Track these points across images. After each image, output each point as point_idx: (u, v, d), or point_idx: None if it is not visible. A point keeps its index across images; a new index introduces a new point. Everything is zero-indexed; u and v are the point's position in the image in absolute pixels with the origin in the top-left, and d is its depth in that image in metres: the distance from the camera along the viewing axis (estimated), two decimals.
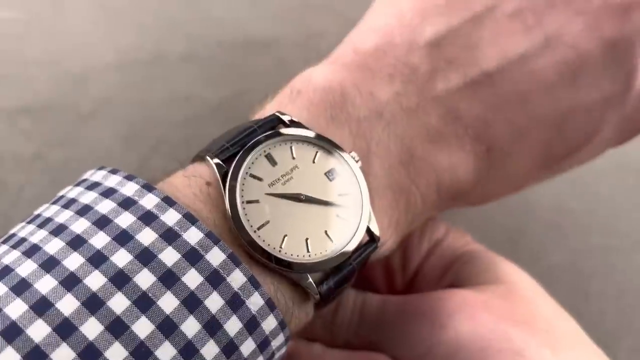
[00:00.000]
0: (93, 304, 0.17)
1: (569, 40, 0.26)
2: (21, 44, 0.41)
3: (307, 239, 0.22)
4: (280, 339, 0.21)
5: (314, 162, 0.23)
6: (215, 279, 0.19)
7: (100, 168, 0.22)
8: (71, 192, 0.21)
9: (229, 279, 0.19)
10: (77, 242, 0.18)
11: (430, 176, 0.26)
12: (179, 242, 0.19)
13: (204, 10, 0.45)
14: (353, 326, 0.28)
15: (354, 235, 0.23)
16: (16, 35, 0.41)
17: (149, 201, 0.20)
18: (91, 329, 0.17)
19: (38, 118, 0.39)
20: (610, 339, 0.38)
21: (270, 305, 0.20)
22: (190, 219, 0.20)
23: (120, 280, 0.18)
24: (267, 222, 0.21)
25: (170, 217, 0.19)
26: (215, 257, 0.19)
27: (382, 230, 0.24)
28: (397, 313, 0.27)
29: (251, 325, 0.20)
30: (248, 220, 0.21)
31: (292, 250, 0.21)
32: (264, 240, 0.21)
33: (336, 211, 0.23)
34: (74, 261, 0.18)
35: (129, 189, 0.20)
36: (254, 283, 0.20)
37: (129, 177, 0.21)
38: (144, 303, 0.18)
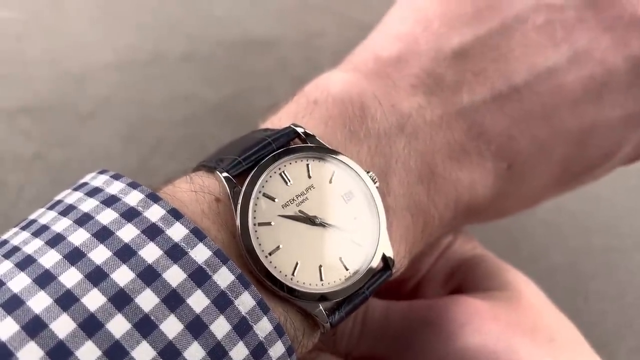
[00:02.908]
0: (90, 326, 0.16)
1: (597, 55, 0.25)
2: (21, 44, 0.41)
3: (320, 266, 0.21)
4: None
5: (330, 182, 0.22)
6: (222, 301, 0.18)
7: (102, 172, 0.20)
8: (69, 197, 0.20)
9: (236, 302, 0.18)
10: (75, 256, 0.17)
11: (450, 194, 0.24)
12: (185, 260, 0.18)
13: (204, 10, 0.45)
14: (355, 335, 0.27)
15: (370, 262, 0.21)
16: (16, 35, 0.41)
17: (155, 213, 0.18)
18: (87, 354, 0.16)
19: (38, 118, 0.39)
20: (611, 339, 0.38)
21: (278, 331, 0.19)
22: (198, 234, 0.18)
23: (120, 300, 0.16)
24: (279, 247, 0.20)
25: (177, 232, 0.18)
26: (224, 277, 0.18)
27: (398, 256, 0.23)
28: (402, 321, 0.26)
29: (258, 352, 0.18)
30: (260, 245, 0.20)
31: (305, 279, 0.20)
32: (275, 267, 0.20)
33: (352, 236, 0.21)
34: (71, 277, 0.17)
35: (133, 198, 0.19)
36: (263, 307, 0.18)
37: (133, 185, 0.19)
38: (145, 327, 0.16)
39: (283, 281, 0.20)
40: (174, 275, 0.17)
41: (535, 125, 0.25)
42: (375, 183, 0.22)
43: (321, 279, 0.21)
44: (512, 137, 0.25)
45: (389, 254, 0.22)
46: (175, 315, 0.17)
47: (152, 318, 0.17)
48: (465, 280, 0.28)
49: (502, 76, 0.25)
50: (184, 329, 0.17)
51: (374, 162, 0.23)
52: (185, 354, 0.17)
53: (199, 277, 0.18)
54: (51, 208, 0.19)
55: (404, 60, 0.25)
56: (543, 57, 0.25)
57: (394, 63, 0.25)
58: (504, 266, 0.28)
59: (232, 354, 0.18)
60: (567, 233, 0.41)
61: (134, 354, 0.16)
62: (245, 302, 0.18)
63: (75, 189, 0.20)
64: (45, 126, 0.39)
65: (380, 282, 0.22)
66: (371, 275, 0.21)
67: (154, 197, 0.19)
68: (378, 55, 0.25)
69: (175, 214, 0.18)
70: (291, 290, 0.20)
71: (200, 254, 0.18)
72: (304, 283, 0.20)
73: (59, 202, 0.19)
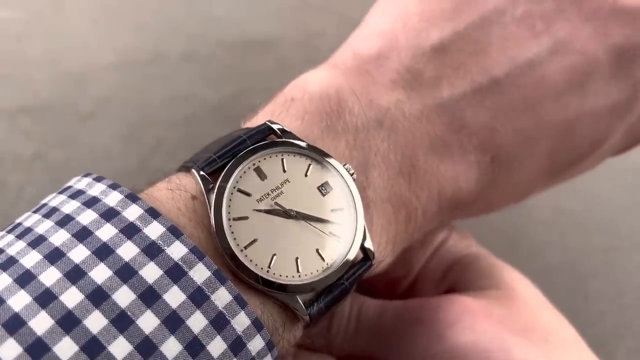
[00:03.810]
0: (68, 322, 0.16)
1: (578, 46, 0.25)
2: (21, 44, 0.41)
3: (297, 258, 0.21)
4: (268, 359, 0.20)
5: (306, 175, 0.22)
6: (198, 297, 0.18)
7: (86, 175, 0.21)
8: (53, 200, 0.20)
9: (213, 297, 0.18)
10: (55, 256, 0.18)
11: (432, 187, 0.25)
12: (162, 257, 0.18)
13: (204, 10, 0.45)
14: (349, 334, 0.27)
15: (347, 254, 0.21)
16: (16, 35, 0.41)
17: (133, 212, 0.19)
18: (65, 349, 0.16)
19: (38, 118, 0.39)
20: (610, 339, 0.38)
21: (257, 325, 0.19)
22: (174, 232, 0.19)
23: (98, 297, 0.17)
24: (255, 240, 0.20)
25: (154, 230, 0.18)
26: (200, 273, 0.18)
27: (379, 247, 0.23)
28: (395, 320, 0.26)
29: (236, 346, 0.18)
30: (235, 239, 0.20)
31: (281, 271, 0.20)
32: (251, 260, 0.20)
33: (329, 228, 0.22)
34: (50, 276, 0.17)
35: (113, 198, 0.19)
36: (239, 302, 0.19)
37: (113, 186, 0.20)
38: (122, 322, 0.17)
39: (258, 273, 0.20)
40: (151, 272, 0.18)
41: (518, 117, 0.25)
42: (352, 175, 0.22)
43: (298, 271, 0.21)
44: (494, 130, 0.25)
45: (368, 245, 0.22)
46: (152, 311, 0.17)
47: (129, 314, 0.17)
48: (459, 278, 0.28)
49: (481, 69, 0.25)
50: (160, 323, 0.17)
51: (353, 156, 0.23)
52: (162, 347, 0.17)
53: (175, 273, 0.18)
54: (36, 211, 0.20)
55: (384, 56, 0.25)
56: (523, 49, 0.25)
57: (374, 60, 0.25)
58: (498, 264, 0.28)
59: (209, 348, 0.18)
60: (566, 233, 0.41)
61: (110, 348, 0.17)
62: (221, 297, 0.18)
63: (60, 192, 0.20)
64: (46, 126, 0.39)
65: (359, 273, 0.22)
66: (349, 266, 0.21)
67: (132, 197, 0.19)
68: (358, 53, 0.25)
69: (153, 213, 0.19)
70: (268, 283, 0.20)
71: (177, 251, 0.18)
72: (280, 275, 0.20)
73: (44, 205, 0.20)
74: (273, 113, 0.24)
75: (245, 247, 0.20)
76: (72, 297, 0.17)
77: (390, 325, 0.26)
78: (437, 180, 0.25)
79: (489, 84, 0.25)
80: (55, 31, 0.42)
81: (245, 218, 0.21)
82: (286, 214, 0.21)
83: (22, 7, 0.43)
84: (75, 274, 0.17)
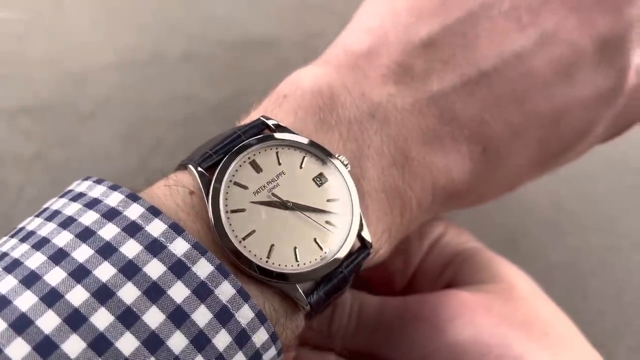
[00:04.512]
0: (75, 320, 0.17)
1: (564, 36, 0.26)
2: (21, 44, 0.41)
3: (295, 248, 0.21)
4: (272, 352, 0.20)
5: (301, 167, 0.23)
6: (202, 291, 0.18)
7: (86, 178, 0.21)
8: (55, 204, 0.20)
9: (217, 292, 0.19)
10: (59, 256, 0.18)
11: (426, 179, 0.25)
12: (165, 253, 0.18)
13: (204, 10, 0.45)
14: (350, 331, 0.27)
15: (345, 242, 0.22)
16: (16, 35, 0.41)
17: (134, 211, 0.19)
18: (73, 346, 0.16)
19: (38, 118, 0.39)
20: (609, 338, 0.38)
21: (260, 318, 0.19)
22: (176, 229, 0.19)
23: (103, 294, 0.17)
24: (253, 231, 0.21)
25: (156, 228, 0.19)
26: (203, 268, 0.19)
27: (375, 236, 0.24)
28: (395, 316, 0.27)
29: (241, 339, 0.19)
30: (233, 231, 0.20)
31: (280, 260, 0.21)
32: (250, 251, 0.20)
33: (326, 218, 0.22)
34: (55, 276, 0.17)
35: (114, 199, 0.19)
36: (243, 295, 0.19)
37: (114, 187, 0.20)
38: (128, 318, 0.17)
39: (258, 263, 0.20)
40: (154, 269, 0.18)
41: (507, 109, 0.26)
42: (346, 166, 0.23)
43: (297, 260, 0.21)
44: (485, 122, 0.26)
45: (365, 234, 0.22)
46: (157, 307, 0.18)
47: (135, 310, 0.17)
48: (458, 273, 0.29)
49: (470, 63, 0.25)
50: (165, 318, 0.18)
51: (347, 148, 0.24)
52: (169, 342, 0.17)
53: (179, 269, 0.18)
54: (38, 215, 0.20)
55: (374, 52, 0.26)
56: (510, 42, 0.25)
57: (365, 55, 0.26)
58: (496, 258, 0.29)
59: (215, 341, 0.18)
60: (566, 232, 0.41)
61: (117, 344, 0.17)
62: (225, 291, 0.19)
63: (61, 196, 0.21)
64: (46, 126, 0.39)
65: (357, 261, 0.22)
66: (347, 254, 0.22)
67: (133, 197, 0.20)
68: (349, 49, 0.26)
69: (154, 211, 0.19)
70: (268, 273, 0.20)
71: (179, 247, 0.19)
72: (279, 265, 0.21)
73: (46, 209, 0.20)
74: (266, 110, 0.24)
75: (244, 238, 0.21)
76: (77, 296, 0.17)
77: (390, 322, 0.27)
78: (430, 171, 0.25)
79: (477, 76, 0.25)
80: (55, 31, 0.42)
81: (243, 210, 0.21)
82: (283, 204, 0.22)
83: (23, 7, 0.43)
84: (79, 273, 0.18)
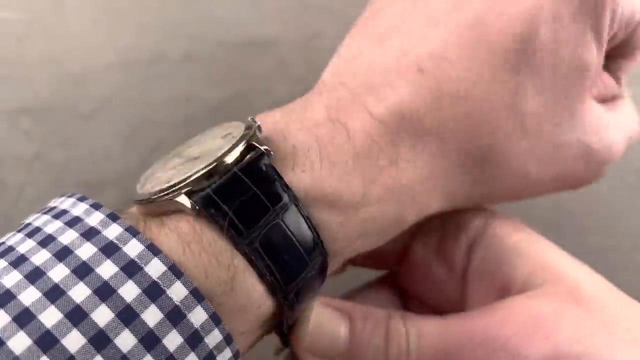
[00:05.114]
0: (45, 342, 0.17)
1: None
2: (21, 45, 0.41)
3: (171, 171, 0.21)
4: (227, 354, 0.20)
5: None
6: (153, 290, 0.18)
7: (70, 195, 0.21)
8: (37, 220, 0.20)
9: (146, 269, 0.19)
10: (35, 275, 0.18)
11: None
12: (140, 275, 0.19)
13: (204, 10, 0.45)
14: None
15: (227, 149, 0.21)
16: (16, 35, 0.41)
17: (112, 232, 0.19)
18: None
19: (38, 118, 0.39)
20: None
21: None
22: (152, 250, 0.19)
23: (76, 316, 0.17)
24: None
25: (132, 249, 0.19)
26: (177, 291, 0.19)
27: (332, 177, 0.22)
28: (463, 343, 0.24)
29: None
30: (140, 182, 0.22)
31: (155, 182, 0.21)
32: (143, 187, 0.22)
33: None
34: (29, 295, 0.17)
35: (94, 218, 0.20)
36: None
37: (95, 206, 0.20)
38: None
39: (140, 192, 0.21)
40: (130, 290, 0.18)
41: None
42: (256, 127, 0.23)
43: (170, 178, 0.21)
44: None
45: (255, 140, 0.22)
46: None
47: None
48: (514, 274, 0.26)
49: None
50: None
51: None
52: (116, 341, 0.17)
53: (152, 291, 0.18)
54: (20, 230, 0.20)
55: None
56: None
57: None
58: (553, 251, 0.26)
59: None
60: (566, 232, 0.41)
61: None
62: (154, 267, 0.19)
63: (44, 213, 0.21)
64: (46, 126, 0.39)
65: (248, 159, 0.21)
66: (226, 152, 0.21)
67: (113, 217, 0.20)
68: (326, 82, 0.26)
69: (132, 231, 0.19)
70: (146, 200, 0.21)
71: (154, 268, 0.19)
72: (152, 187, 0.21)
73: (28, 225, 0.20)
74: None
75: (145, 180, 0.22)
76: (50, 317, 0.17)
77: (458, 350, 0.24)
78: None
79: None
80: (55, 32, 0.42)
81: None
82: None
83: (23, 7, 0.43)
84: (54, 293, 0.18)
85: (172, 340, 0.18)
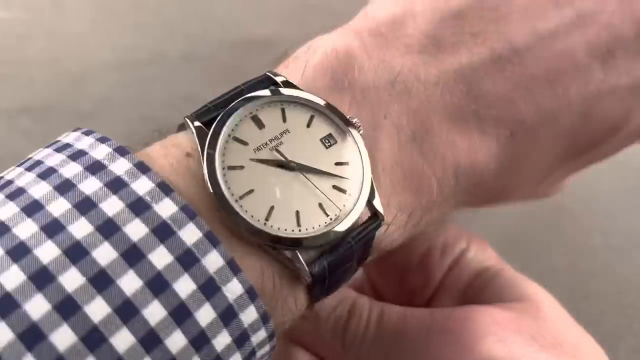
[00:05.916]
0: (41, 278, 0.15)
1: (603, 19, 0.24)
2: (21, 44, 0.41)
3: (297, 212, 0.19)
4: (261, 334, 0.18)
5: (308, 126, 0.21)
6: (187, 259, 0.16)
7: (76, 129, 0.20)
8: (39, 154, 0.19)
9: (203, 261, 0.17)
10: (32, 208, 0.16)
11: (447, 158, 0.23)
12: (149, 214, 0.17)
13: (204, 10, 0.45)
14: (369, 339, 0.25)
15: (353, 209, 0.20)
16: (16, 35, 0.41)
17: (120, 166, 0.17)
18: (37, 307, 0.15)
19: (38, 118, 0.39)
20: (610, 338, 0.38)
21: (251, 294, 0.17)
22: (164, 189, 0.17)
23: (75, 253, 0.16)
24: (252, 190, 0.19)
25: (142, 186, 0.17)
26: (190, 234, 0.17)
27: (389, 209, 0.21)
28: (420, 329, 0.24)
29: (227, 315, 0.17)
30: (229, 188, 0.18)
31: (280, 224, 0.18)
32: (246, 211, 0.18)
33: (332, 182, 0.20)
34: (25, 229, 0.16)
35: (100, 152, 0.18)
36: (233, 267, 0.17)
37: (102, 140, 0.18)
38: (100, 281, 0.15)
39: (255, 225, 0.18)
40: (136, 229, 0.16)
41: (538, 91, 0.24)
42: (358, 129, 0.21)
43: (299, 225, 0.19)
44: (514, 102, 0.24)
45: (377, 202, 0.20)
46: (134, 271, 0.16)
47: (109, 272, 0.16)
48: (483, 291, 0.27)
49: (502, 38, 0.23)
50: (143, 285, 0.16)
51: (360, 114, 0.22)
52: (144, 312, 0.16)
53: (163, 232, 0.17)
54: (20, 164, 0.19)
55: (399, 21, 0.24)
56: (545, 20, 0.24)
57: (389, 23, 0.24)
58: (522, 278, 0.27)
59: (197, 315, 0.17)
60: (567, 232, 0.41)
61: (86, 309, 0.15)
62: (212, 260, 0.17)
63: (47, 147, 0.19)
64: (46, 126, 0.39)
65: (367, 231, 0.20)
66: (355, 222, 0.20)
67: (121, 151, 0.18)
68: (372, 17, 0.24)
69: (142, 167, 0.17)
70: (265, 236, 0.18)
71: (166, 208, 0.17)
72: (279, 228, 0.18)
73: (29, 159, 0.19)
74: (276, 70, 0.23)
75: (241, 197, 0.18)
76: (47, 252, 0.16)
77: (415, 334, 0.25)
78: (452, 150, 0.23)
79: (509, 53, 0.23)
80: (55, 31, 0.42)
81: (241, 167, 0.19)
82: (286, 164, 0.19)
83: (23, 7, 0.43)
84: (53, 228, 0.16)
85: (184, 283, 0.16)
